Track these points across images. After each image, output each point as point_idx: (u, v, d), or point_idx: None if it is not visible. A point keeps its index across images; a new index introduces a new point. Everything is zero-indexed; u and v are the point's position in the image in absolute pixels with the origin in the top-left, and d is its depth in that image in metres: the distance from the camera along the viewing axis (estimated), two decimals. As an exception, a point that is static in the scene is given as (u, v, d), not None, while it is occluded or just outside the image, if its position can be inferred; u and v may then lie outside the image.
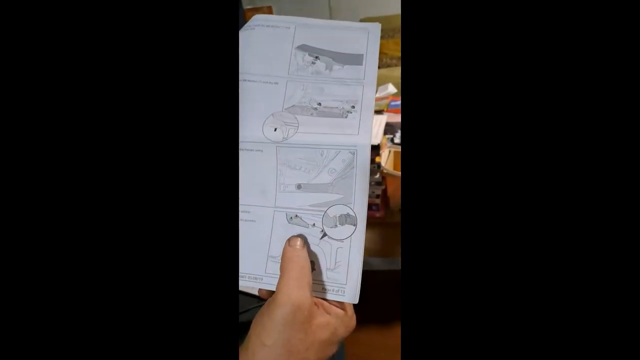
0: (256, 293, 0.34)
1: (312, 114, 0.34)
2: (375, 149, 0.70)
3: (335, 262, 0.32)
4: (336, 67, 0.35)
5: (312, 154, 0.33)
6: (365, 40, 0.35)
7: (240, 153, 0.34)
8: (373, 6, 2.58)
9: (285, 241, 0.32)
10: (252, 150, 0.35)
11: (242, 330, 0.28)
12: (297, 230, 0.33)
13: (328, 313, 0.30)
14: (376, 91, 0.34)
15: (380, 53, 0.36)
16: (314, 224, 0.32)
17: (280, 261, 0.32)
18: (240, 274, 0.33)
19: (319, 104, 0.34)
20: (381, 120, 0.73)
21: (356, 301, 0.31)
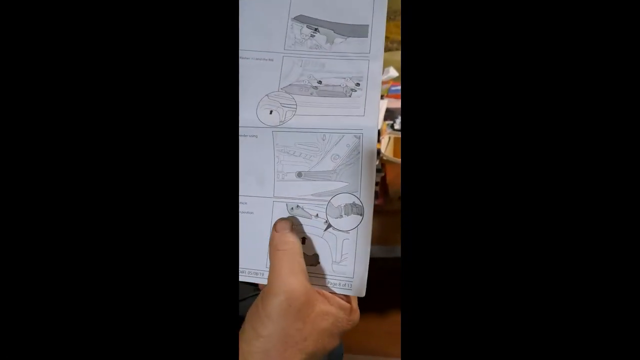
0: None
1: (311, 94, 0.31)
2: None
3: (342, 255, 0.29)
4: (338, 39, 0.31)
5: (312, 138, 0.30)
6: (371, 9, 0.31)
7: (234, 139, 0.31)
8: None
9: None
10: (245, 135, 0.32)
11: (239, 321, 0.26)
12: (299, 221, 0.31)
13: (330, 303, 0.27)
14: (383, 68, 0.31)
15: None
16: (317, 215, 0.30)
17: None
18: (239, 269, 0.30)
19: (319, 82, 0.31)
20: (381, 106, 0.69)
21: (363, 294, 0.29)
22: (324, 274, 0.29)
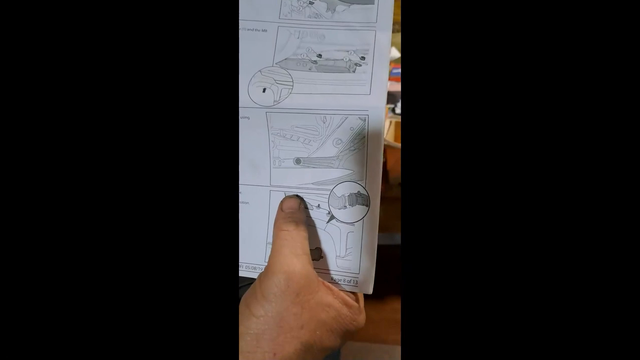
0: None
1: (310, 69, 0.27)
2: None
3: (346, 249, 0.27)
4: (340, 7, 0.28)
5: (311, 120, 0.27)
6: None
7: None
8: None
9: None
10: (237, 117, 0.28)
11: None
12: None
13: (334, 295, 0.25)
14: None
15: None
16: (318, 205, 0.27)
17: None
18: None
19: (319, 55, 0.27)
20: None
21: (370, 291, 0.26)
22: (327, 270, 0.27)
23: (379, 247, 0.27)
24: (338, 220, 0.27)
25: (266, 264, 0.28)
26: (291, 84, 0.27)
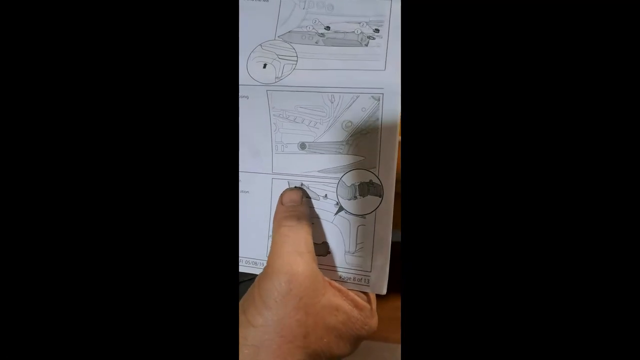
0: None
1: (317, 43, 0.24)
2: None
3: (357, 244, 0.24)
4: (351, -30, 0.24)
5: (318, 100, 0.24)
6: None
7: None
8: None
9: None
10: (236, 96, 0.26)
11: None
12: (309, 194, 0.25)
13: (343, 297, 0.23)
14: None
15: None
16: (325, 195, 0.25)
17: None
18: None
19: (327, 27, 0.24)
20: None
21: (384, 292, 0.24)
22: (335, 267, 0.25)
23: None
24: (347, 212, 0.24)
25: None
26: (295, 59, 0.24)
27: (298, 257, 0.21)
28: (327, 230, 0.25)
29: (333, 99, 0.24)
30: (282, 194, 0.24)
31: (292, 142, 0.25)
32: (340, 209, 0.24)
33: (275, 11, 0.25)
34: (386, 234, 0.24)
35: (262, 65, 0.25)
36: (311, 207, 0.25)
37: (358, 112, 0.23)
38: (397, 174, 0.23)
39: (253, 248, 0.26)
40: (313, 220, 0.25)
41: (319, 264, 0.25)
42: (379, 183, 0.23)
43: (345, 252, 0.24)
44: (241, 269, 0.26)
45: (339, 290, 0.23)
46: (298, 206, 0.24)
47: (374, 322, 0.23)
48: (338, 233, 0.24)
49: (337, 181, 0.24)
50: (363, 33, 0.23)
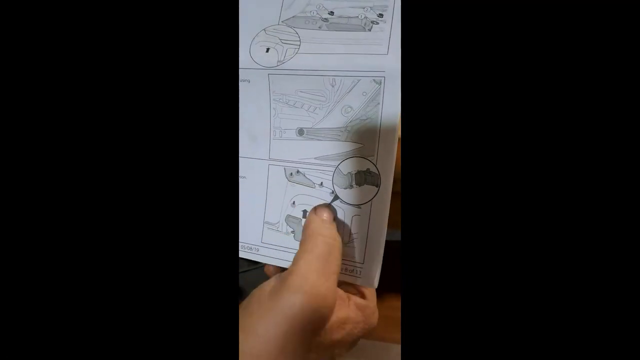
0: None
1: (320, 27, 0.24)
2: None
3: (350, 234, 0.23)
4: (357, -46, 0.24)
5: (318, 84, 0.23)
6: None
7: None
8: None
9: (288, 204, 0.24)
10: (236, 80, 0.25)
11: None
12: (299, 189, 0.25)
13: (346, 305, 0.22)
14: None
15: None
16: (321, 183, 0.24)
17: (280, 230, 0.25)
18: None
19: (331, 12, 0.24)
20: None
21: (375, 285, 0.23)
22: None
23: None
24: (342, 201, 0.23)
25: (263, 245, 0.25)
26: (298, 43, 0.24)
27: (324, 279, 0.20)
28: None
29: (334, 82, 0.23)
30: (316, 207, 0.23)
31: (291, 128, 0.24)
32: (336, 197, 0.23)
33: None
34: (381, 226, 0.23)
35: (265, 50, 0.25)
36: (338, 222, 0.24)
37: (359, 96, 0.23)
38: (396, 166, 0.22)
39: (249, 234, 0.26)
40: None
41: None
42: (377, 172, 0.23)
43: (338, 242, 0.24)
44: (241, 254, 0.26)
45: (344, 300, 0.22)
46: (329, 224, 0.22)
47: (374, 319, 0.23)
48: (332, 223, 0.24)
49: (333, 169, 0.23)
50: (367, 18, 0.23)
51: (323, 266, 0.20)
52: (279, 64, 0.24)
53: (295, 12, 0.25)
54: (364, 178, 0.23)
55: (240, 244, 0.26)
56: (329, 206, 0.23)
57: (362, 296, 0.23)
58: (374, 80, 0.22)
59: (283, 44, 0.24)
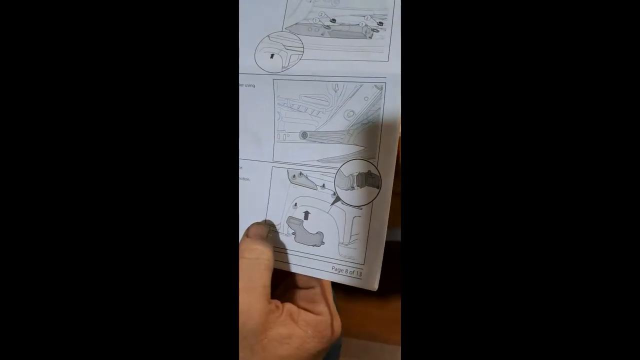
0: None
1: (322, 34, 0.25)
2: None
3: (351, 235, 0.24)
4: (358, -35, 0.25)
5: (322, 89, 0.24)
6: None
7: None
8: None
9: (290, 206, 0.25)
10: (240, 85, 0.26)
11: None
12: (301, 191, 0.25)
13: (294, 321, 0.22)
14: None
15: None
16: (323, 185, 0.25)
17: (281, 231, 0.25)
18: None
19: (333, 20, 0.25)
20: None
21: (375, 287, 0.24)
22: (328, 258, 0.24)
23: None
24: (344, 202, 0.24)
25: None
26: (301, 49, 0.25)
27: (247, 294, 0.21)
28: (323, 220, 0.24)
29: (337, 87, 0.24)
30: (248, 228, 0.25)
31: (294, 131, 0.25)
32: (337, 199, 0.24)
33: (283, 4, 0.26)
34: (381, 227, 0.23)
35: (270, 55, 0.25)
36: (276, 239, 0.25)
37: (360, 101, 0.23)
38: (397, 166, 0.23)
39: None
40: (314, 210, 0.25)
41: (313, 256, 0.25)
42: (377, 174, 0.23)
43: (339, 243, 0.24)
44: None
45: (291, 317, 0.23)
46: (261, 241, 0.24)
47: (335, 328, 0.23)
48: (333, 224, 0.24)
49: (335, 171, 0.24)
50: (367, 26, 0.24)
51: (245, 284, 0.22)
52: (283, 69, 0.25)
53: (298, 19, 0.26)
54: (365, 180, 0.24)
55: None
56: (261, 223, 0.25)
57: (316, 311, 0.23)
58: (375, 86, 0.23)
59: (287, 50, 0.25)
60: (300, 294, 0.25)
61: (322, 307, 0.24)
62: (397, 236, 0.20)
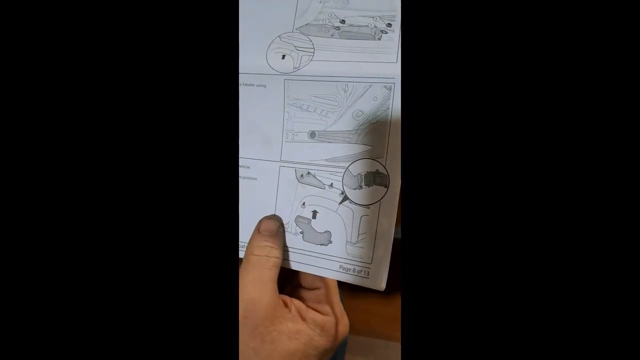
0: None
1: (332, 35, 0.25)
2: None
3: (358, 234, 0.24)
4: (368, -33, 0.25)
5: (331, 89, 0.25)
6: None
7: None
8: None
9: (298, 205, 0.25)
10: (252, 85, 0.27)
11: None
12: (309, 191, 0.26)
13: (303, 319, 0.23)
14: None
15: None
16: (331, 184, 0.25)
17: (289, 230, 0.26)
18: (239, 243, 0.26)
19: (342, 21, 0.25)
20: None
21: (382, 287, 0.24)
22: (336, 257, 0.25)
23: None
24: (352, 201, 0.24)
25: None
26: (312, 50, 0.25)
27: (258, 286, 0.22)
28: (330, 219, 0.25)
29: (347, 88, 0.24)
30: (260, 222, 0.25)
31: (303, 131, 0.25)
32: (345, 198, 0.24)
33: (293, 4, 0.26)
34: (389, 226, 0.24)
35: (281, 56, 0.26)
36: (282, 233, 0.25)
37: (369, 101, 0.24)
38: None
39: None
40: (322, 209, 0.25)
41: (321, 255, 0.25)
42: (386, 173, 0.24)
43: (346, 242, 0.24)
44: (241, 254, 0.27)
45: (301, 315, 0.23)
46: (272, 236, 0.24)
47: (342, 329, 0.24)
48: (341, 222, 0.25)
49: (343, 170, 0.24)
50: (376, 27, 0.24)
51: (256, 277, 0.22)
52: (294, 70, 0.25)
53: (308, 19, 0.26)
54: (373, 179, 0.24)
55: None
56: (273, 218, 0.25)
57: (324, 312, 0.24)
58: (384, 86, 0.23)
59: (298, 51, 0.25)
60: (307, 295, 0.25)
61: (329, 308, 0.24)
62: (397, 234, 0.20)
